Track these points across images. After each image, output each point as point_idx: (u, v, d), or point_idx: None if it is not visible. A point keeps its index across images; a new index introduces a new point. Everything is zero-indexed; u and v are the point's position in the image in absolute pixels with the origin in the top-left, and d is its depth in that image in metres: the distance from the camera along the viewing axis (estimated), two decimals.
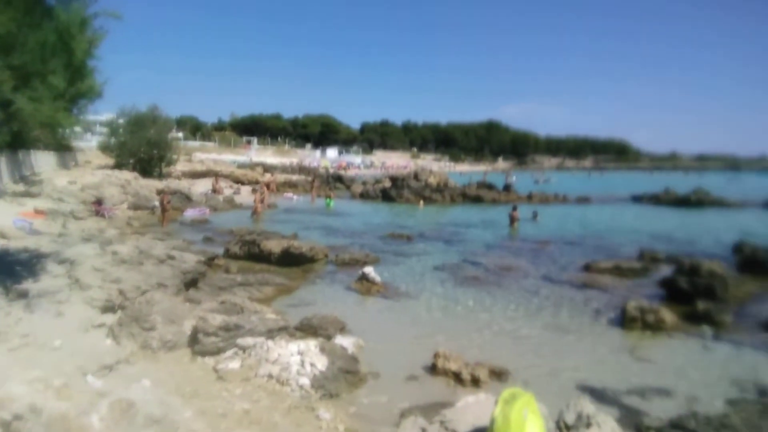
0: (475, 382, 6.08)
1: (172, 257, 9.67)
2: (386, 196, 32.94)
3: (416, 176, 35.02)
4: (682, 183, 45.07)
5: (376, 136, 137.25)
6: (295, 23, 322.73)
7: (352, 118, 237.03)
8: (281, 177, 43.03)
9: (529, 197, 33.55)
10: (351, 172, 64.88)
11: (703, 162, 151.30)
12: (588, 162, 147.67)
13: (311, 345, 6.20)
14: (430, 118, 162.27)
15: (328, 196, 30.20)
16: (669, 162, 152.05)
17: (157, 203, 20.58)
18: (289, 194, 34.84)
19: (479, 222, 22.55)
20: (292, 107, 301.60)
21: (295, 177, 45.42)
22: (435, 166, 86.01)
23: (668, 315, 8.36)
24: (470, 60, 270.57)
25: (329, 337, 7.01)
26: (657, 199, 33.32)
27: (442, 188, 33.81)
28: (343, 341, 6.88)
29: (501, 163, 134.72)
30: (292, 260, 12.38)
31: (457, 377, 6.19)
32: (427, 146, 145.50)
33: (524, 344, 7.67)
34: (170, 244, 11.71)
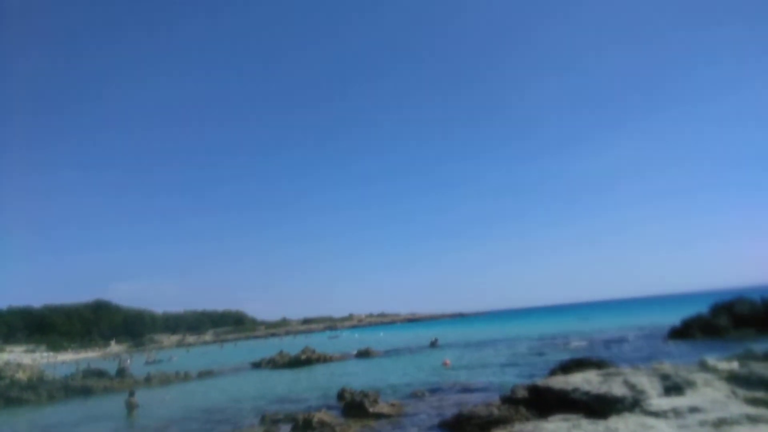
0: None
1: None
2: None
3: None
4: (293, 345, 50.14)
5: None
6: None
7: None
8: None
9: (148, 380, 30.94)
10: None
11: (308, 324, 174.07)
12: (209, 335, 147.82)
13: None
14: (18, 302, 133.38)
15: None
16: (281, 327, 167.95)
17: None
18: None
19: (88, 417, 19.13)
20: None
21: None
22: (27, 358, 71.21)
23: None
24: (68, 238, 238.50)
25: None
26: (274, 363, 35.65)
27: (35, 385, 27.57)
28: None
29: (114, 347, 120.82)
30: None
31: None
32: (15, 336, 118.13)
33: None
34: None
